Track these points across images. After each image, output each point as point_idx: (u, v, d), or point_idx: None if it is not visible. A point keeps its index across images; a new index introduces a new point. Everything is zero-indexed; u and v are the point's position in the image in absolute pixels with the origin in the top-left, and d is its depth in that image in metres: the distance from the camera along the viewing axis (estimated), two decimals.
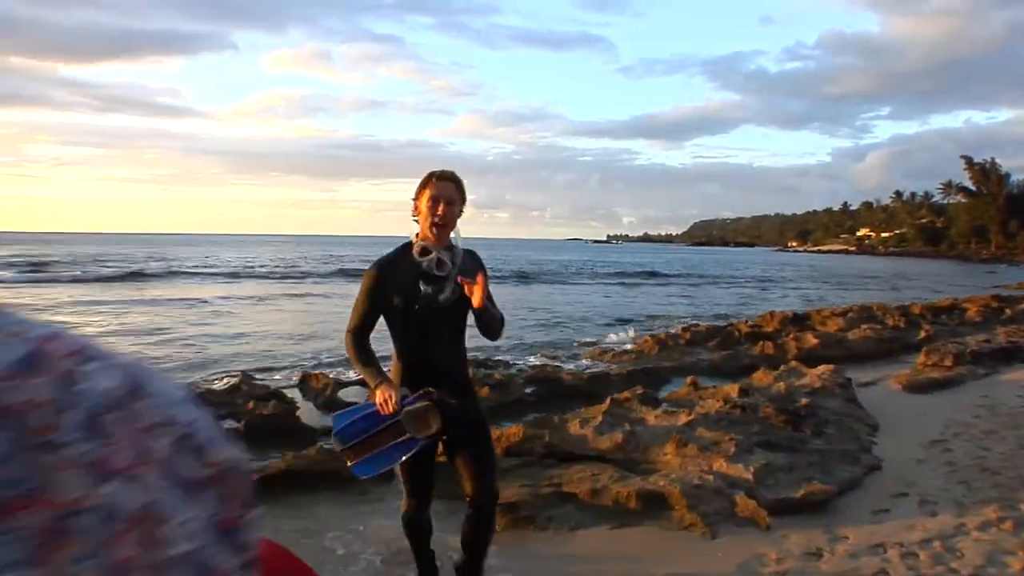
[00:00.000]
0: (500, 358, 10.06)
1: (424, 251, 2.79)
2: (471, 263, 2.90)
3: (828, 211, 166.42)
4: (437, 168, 2.89)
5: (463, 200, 2.90)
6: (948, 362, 9.06)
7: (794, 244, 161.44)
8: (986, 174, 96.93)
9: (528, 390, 7.69)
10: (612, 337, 13.88)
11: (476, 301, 2.69)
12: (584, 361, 10.82)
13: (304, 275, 34.61)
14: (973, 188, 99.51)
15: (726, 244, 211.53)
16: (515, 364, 9.82)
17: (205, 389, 7.23)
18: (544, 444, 5.34)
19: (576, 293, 28.41)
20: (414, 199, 2.87)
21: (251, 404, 6.38)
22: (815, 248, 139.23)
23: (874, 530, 4.05)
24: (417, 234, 2.86)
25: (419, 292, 2.73)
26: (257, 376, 8.29)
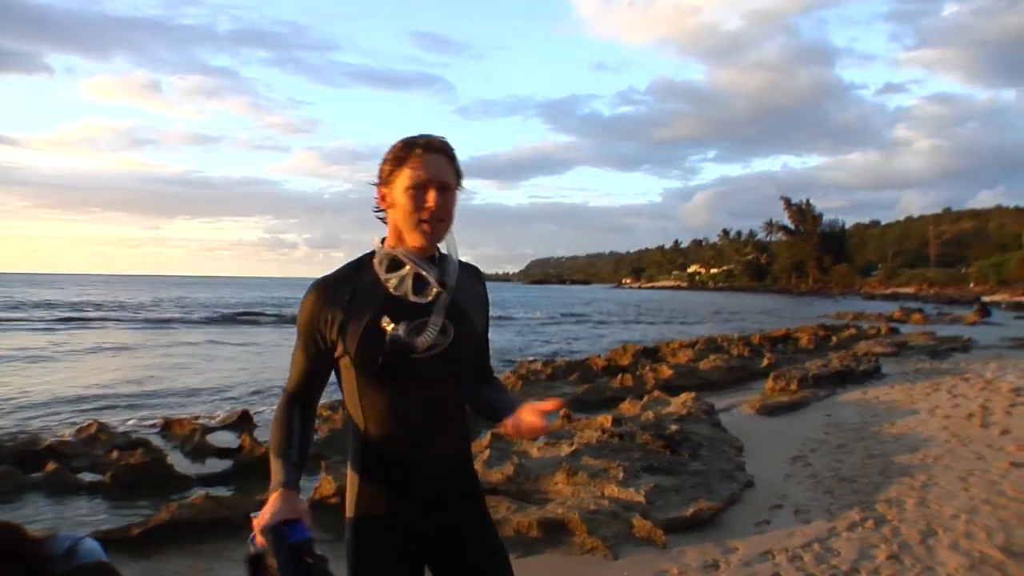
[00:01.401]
0: None
1: (393, 264, 1.76)
2: (472, 285, 1.89)
3: (660, 249, 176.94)
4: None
5: (460, 183, 1.83)
6: (793, 386, 10.03)
7: (628, 281, 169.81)
8: (803, 214, 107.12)
9: None
10: None
11: (527, 426, 1.70)
12: None
13: (117, 319, 32.28)
14: (792, 227, 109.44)
15: (563, 282, 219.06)
16: None
17: (56, 441, 6.71)
18: None
19: None
20: (379, 183, 1.81)
21: (115, 453, 6.05)
22: (649, 285, 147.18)
23: (760, 540, 4.49)
24: (383, 239, 1.83)
25: (381, 333, 1.68)
26: (112, 425, 7.80)
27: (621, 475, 5.39)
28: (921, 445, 6.70)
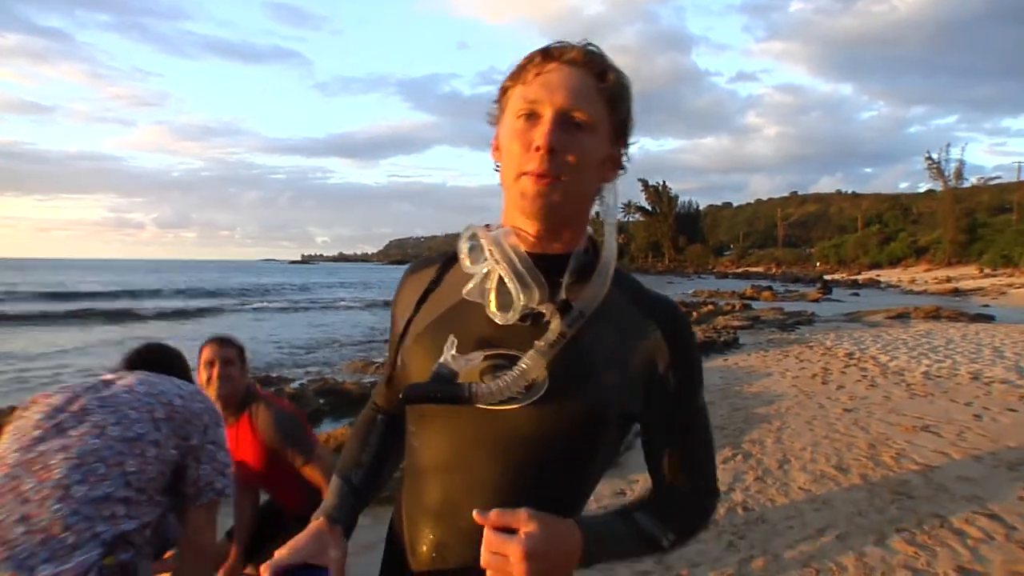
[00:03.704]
0: (275, 374, 10.73)
1: (481, 255, 1.10)
2: (634, 330, 1.13)
3: None
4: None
5: (619, 126, 1.13)
6: None
7: None
8: (659, 195, 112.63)
9: (321, 400, 8.55)
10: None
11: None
12: (350, 375, 11.74)
13: None
14: (649, 208, 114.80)
15: None
16: (295, 379, 10.53)
17: None
18: None
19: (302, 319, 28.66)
20: (494, 122, 1.18)
21: None
22: None
23: None
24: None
25: (430, 359, 1.09)
26: None
27: None
28: (775, 399, 8.21)
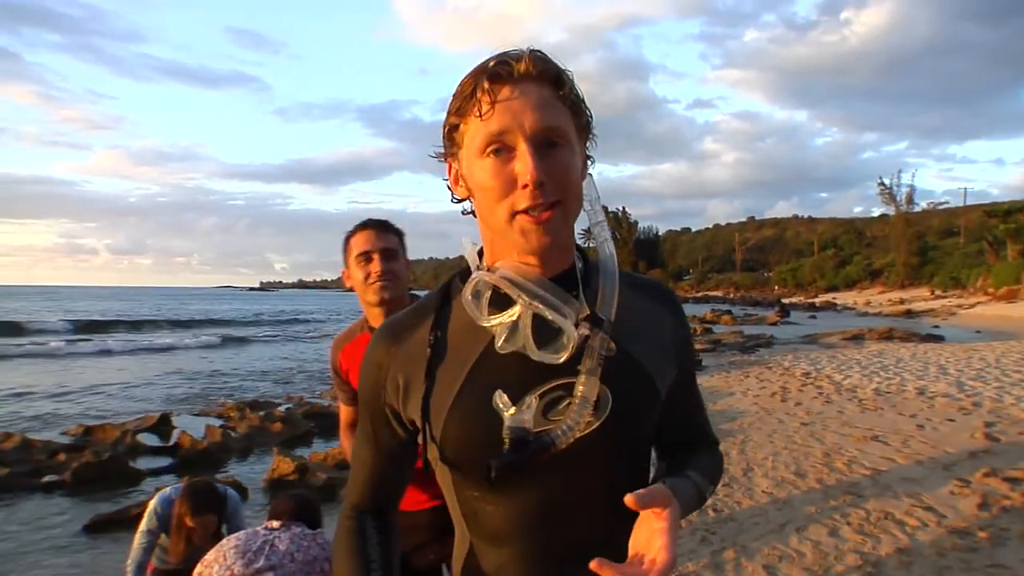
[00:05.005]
0: (262, 399, 11.18)
1: (498, 298, 1.07)
2: (648, 314, 1.17)
3: None
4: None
5: (583, 128, 1.09)
6: None
7: None
8: (619, 221, 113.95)
9: (311, 423, 9.02)
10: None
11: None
12: (333, 399, 12.18)
13: None
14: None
15: None
16: (280, 403, 11.00)
17: None
18: None
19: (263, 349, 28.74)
20: (446, 154, 1.13)
21: (62, 456, 6.83)
22: None
23: None
24: (480, 250, 1.17)
25: (490, 419, 1.03)
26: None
27: None
28: (738, 416, 8.87)
